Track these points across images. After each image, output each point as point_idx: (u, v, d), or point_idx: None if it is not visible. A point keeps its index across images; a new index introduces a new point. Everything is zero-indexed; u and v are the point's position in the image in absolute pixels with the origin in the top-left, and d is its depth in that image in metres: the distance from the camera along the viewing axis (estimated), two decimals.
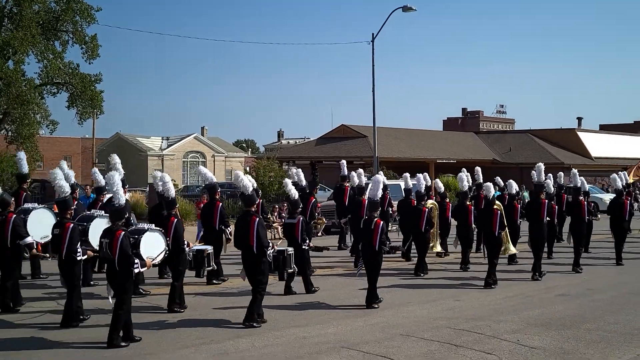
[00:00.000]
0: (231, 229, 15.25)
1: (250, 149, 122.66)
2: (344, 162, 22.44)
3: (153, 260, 11.33)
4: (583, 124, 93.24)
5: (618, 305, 13.25)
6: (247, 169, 37.50)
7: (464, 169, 20.05)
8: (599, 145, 62.31)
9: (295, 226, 14.20)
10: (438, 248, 18.97)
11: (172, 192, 13.46)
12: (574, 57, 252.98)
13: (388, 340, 10.41)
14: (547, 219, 16.81)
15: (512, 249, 17.42)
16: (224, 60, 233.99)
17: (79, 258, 11.46)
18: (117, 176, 11.09)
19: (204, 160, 76.82)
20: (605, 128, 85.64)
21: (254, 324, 11.30)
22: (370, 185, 14.05)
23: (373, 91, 38.35)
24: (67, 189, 12.79)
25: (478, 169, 22.15)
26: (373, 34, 38.27)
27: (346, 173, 21.30)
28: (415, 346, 10.09)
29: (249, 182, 12.50)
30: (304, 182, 18.48)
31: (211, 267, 14.02)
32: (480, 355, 9.60)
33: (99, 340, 10.24)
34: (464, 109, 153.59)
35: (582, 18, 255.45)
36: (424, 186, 18.11)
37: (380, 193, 13.72)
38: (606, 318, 12.04)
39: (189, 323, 11.59)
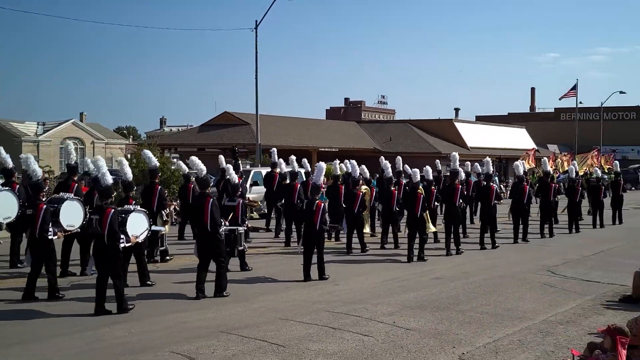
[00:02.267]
0: (168, 211, 16.86)
1: (131, 136, 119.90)
2: (274, 150, 23.88)
3: (137, 237, 12.32)
4: (460, 115, 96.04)
5: (489, 287, 13.74)
6: (128, 155, 36.55)
7: (382, 157, 22.03)
8: (475, 136, 64.21)
9: (236, 208, 14.97)
10: (367, 229, 20.20)
11: (155, 162, 15.97)
12: (452, 50, 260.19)
13: (267, 325, 10.43)
14: (460, 201, 19.05)
15: (432, 228, 19.11)
16: (105, 45, 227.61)
17: (50, 237, 12.19)
18: (103, 160, 12.38)
19: (82, 147, 74.59)
20: (481, 119, 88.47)
21: (224, 294, 12.57)
22: (315, 171, 15.72)
23: (256, 79, 38.35)
24: (40, 173, 13.43)
25: (399, 158, 23.80)
26: (257, 21, 38.18)
27: (276, 160, 22.59)
28: (293, 330, 10.15)
29: (203, 166, 13.74)
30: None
31: (164, 247, 15.50)
32: (357, 337, 9.75)
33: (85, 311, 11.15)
34: (346, 99, 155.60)
35: (457, 12, 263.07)
36: (358, 173, 19.75)
37: (322, 179, 15.59)
38: (478, 300, 12.47)
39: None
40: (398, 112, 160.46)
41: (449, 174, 20.38)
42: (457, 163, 19.80)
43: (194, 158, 14.49)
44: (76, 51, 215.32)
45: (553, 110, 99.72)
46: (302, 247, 14.68)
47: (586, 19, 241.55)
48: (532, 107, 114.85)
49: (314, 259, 14.51)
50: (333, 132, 60.83)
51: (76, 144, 73.73)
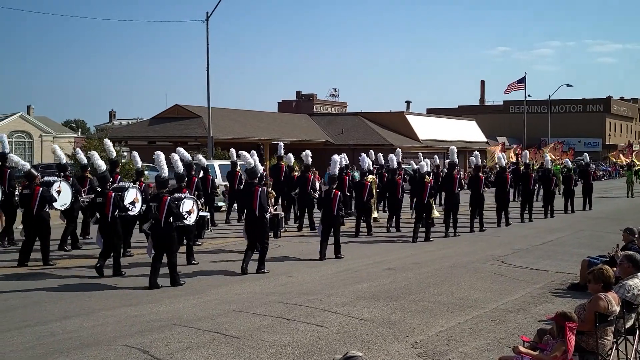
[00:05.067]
0: (202, 200, 17.99)
1: (80, 129, 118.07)
2: (281, 143, 25.92)
3: (190, 221, 14.08)
4: (411, 108, 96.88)
5: (441, 277, 13.90)
6: (77, 149, 36.02)
7: (370, 151, 25.95)
8: (426, 128, 64.80)
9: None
10: (375, 214, 22.81)
11: (189, 159, 18.69)
12: (404, 43, 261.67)
13: (221, 317, 10.41)
14: (458, 189, 21.14)
15: (436, 213, 21.44)
16: (53, 36, 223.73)
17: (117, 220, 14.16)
18: (162, 155, 14.33)
19: (30, 140, 73.35)
20: (432, 112, 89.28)
21: (264, 270, 14.18)
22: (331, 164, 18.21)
23: (207, 71, 38.12)
24: (104, 167, 15.62)
25: (399, 150, 27.16)
26: (207, 12, 38.00)
27: (283, 153, 24.78)
28: (247, 321, 10.14)
29: (252, 160, 15.29)
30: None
31: (209, 230, 17.53)
32: (311, 328, 9.78)
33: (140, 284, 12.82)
34: (298, 92, 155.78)
35: (410, 5, 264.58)
36: (366, 165, 22.02)
37: (337, 170, 17.98)
38: (430, 289, 12.61)
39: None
40: (350, 105, 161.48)
41: (448, 166, 22.89)
42: (455, 156, 22.06)
43: (244, 152, 16.42)
44: (23, 43, 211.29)
45: (502, 103, 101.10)
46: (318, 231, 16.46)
47: (537, 12, 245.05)
48: (482, 100, 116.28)
49: (330, 240, 16.16)
50: (285, 124, 60.80)
51: (23, 137, 72.51)
